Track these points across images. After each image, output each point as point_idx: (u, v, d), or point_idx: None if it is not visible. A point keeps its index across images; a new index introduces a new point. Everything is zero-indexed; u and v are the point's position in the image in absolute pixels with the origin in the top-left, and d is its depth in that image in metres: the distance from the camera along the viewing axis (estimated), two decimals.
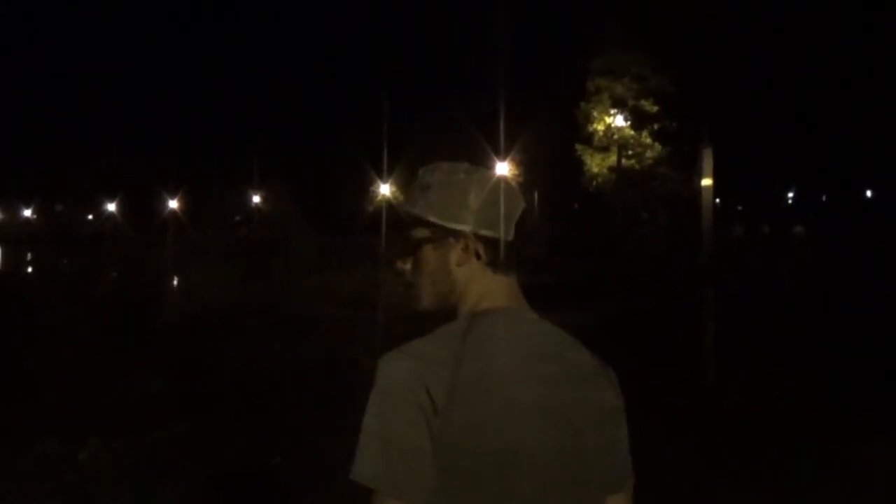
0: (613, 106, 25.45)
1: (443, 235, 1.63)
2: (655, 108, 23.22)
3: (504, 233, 1.63)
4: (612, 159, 26.19)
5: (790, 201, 22.68)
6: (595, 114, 26.53)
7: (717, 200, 26.10)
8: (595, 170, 27.85)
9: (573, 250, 34.49)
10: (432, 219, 1.64)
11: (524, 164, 38.11)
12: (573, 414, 1.57)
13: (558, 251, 36.34)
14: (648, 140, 25.18)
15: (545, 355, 1.58)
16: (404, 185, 46.97)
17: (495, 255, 1.63)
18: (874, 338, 11.94)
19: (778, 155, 17.21)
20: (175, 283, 24.29)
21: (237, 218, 66.24)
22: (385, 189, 46.02)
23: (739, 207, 21.77)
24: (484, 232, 1.63)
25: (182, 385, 9.32)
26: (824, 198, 20.70)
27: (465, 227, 1.62)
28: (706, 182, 9.82)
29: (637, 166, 26.08)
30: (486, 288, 1.64)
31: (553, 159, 34.22)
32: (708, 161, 9.89)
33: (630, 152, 25.92)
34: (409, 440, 1.48)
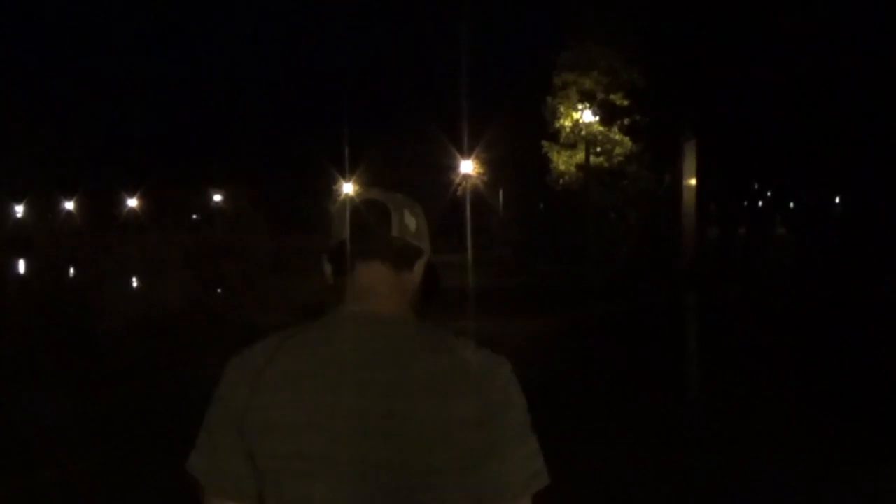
0: (582, 101, 24.54)
1: (328, 248, 1.75)
2: (626, 102, 22.30)
3: (340, 234, 1.69)
4: (580, 156, 25.37)
5: (766, 202, 21.85)
6: (562, 109, 25.67)
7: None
8: (562, 167, 27.02)
9: (540, 251, 33.79)
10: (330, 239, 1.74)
11: (489, 163, 37.39)
12: (403, 426, 1.50)
13: (524, 252, 35.69)
14: (618, 136, 24.31)
15: (381, 363, 1.55)
16: (367, 185, 46.78)
17: (342, 262, 1.68)
18: (867, 347, 11.18)
19: (759, 151, 16.32)
20: (124, 286, 23.08)
21: (194, 216, 65.15)
22: (348, 189, 45.33)
23: (712, 207, 20.93)
24: (331, 240, 1.72)
25: (96, 409, 8.30)
26: (807, 198, 19.85)
27: (332, 241, 1.73)
28: (689, 179, 8.94)
29: (606, 164, 25.24)
30: (350, 291, 1.67)
31: (519, 157, 33.48)
32: (690, 156, 9.02)
33: (599, 149, 25.07)
34: (223, 438, 1.57)
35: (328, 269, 1.72)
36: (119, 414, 8.27)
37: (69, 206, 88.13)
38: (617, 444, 7.54)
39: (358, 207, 1.68)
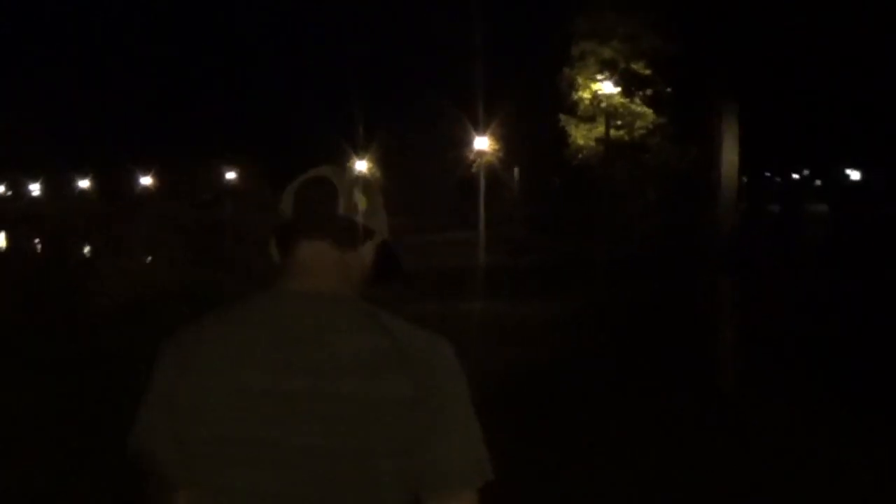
0: (601, 71, 23.34)
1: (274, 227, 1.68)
2: (648, 72, 21.07)
3: (287, 210, 1.64)
4: (599, 130, 24.23)
5: (801, 176, 20.56)
6: (580, 80, 24.51)
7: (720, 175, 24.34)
8: (580, 142, 25.91)
9: (555, 229, 32.66)
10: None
11: (504, 139, 36.23)
12: (330, 407, 1.46)
13: (538, 230, 34.56)
14: (640, 108, 23.13)
15: (308, 341, 1.50)
16: (380, 161, 45.96)
17: (287, 241, 1.63)
18: None
19: (803, 120, 14.96)
20: (119, 265, 22.21)
21: (205, 195, 64.58)
22: (362, 165, 44.49)
23: (744, 180, 19.70)
24: (279, 216, 1.66)
25: (57, 396, 7.38)
26: (849, 173, 18.54)
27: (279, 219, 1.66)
28: (729, 148, 7.81)
29: (627, 137, 24.09)
30: (289, 269, 1.61)
31: (535, 132, 32.36)
32: (730, 122, 7.88)
33: (619, 122, 23.91)
34: (156, 422, 1.54)
35: (274, 248, 1.66)
36: (80, 401, 7.36)
37: (83, 184, 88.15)
38: (645, 442, 6.61)
39: (304, 185, 1.65)
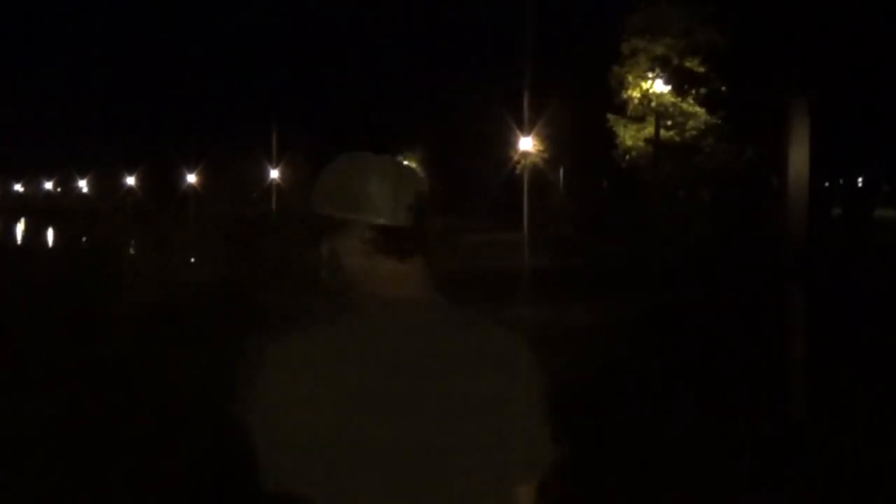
0: (652, 68, 22.50)
1: (336, 226, 1.63)
2: (702, 69, 20.19)
3: (402, 220, 1.61)
4: (649, 130, 23.40)
5: (866, 180, 19.48)
6: (630, 79, 23.71)
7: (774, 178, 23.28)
8: (629, 142, 25.11)
9: (602, 231, 31.84)
10: (327, 211, 1.64)
11: (549, 139, 35.47)
12: (437, 405, 1.53)
13: (585, 232, 33.74)
14: (691, 108, 22.25)
15: (414, 344, 1.55)
16: (426, 159, 45.50)
17: (386, 243, 1.62)
18: None
19: (879, 118, 13.94)
20: (151, 263, 21.89)
21: (254, 194, 64.56)
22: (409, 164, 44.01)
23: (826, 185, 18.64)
24: (380, 220, 1.61)
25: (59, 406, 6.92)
26: None
27: (360, 217, 1.61)
28: (799, 147, 7.08)
29: (677, 138, 23.22)
30: (377, 276, 1.62)
31: (582, 132, 31.59)
32: (800, 118, 7.16)
33: (669, 122, 23.05)
34: (275, 434, 1.53)
35: (363, 251, 1.61)
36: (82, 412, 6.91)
37: (131, 180, 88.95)
38: (706, 475, 5.92)
39: (421, 192, 1.65)
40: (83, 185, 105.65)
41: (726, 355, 9.91)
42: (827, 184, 19.46)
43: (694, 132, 22.91)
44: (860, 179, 19.37)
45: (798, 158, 7.23)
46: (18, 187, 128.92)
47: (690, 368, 9.39)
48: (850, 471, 6.15)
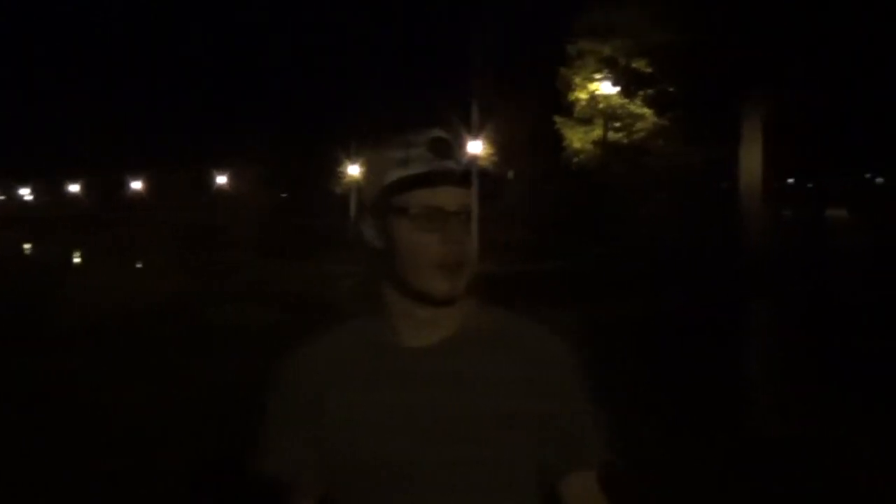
0: (599, 70, 22.44)
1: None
2: (650, 70, 20.12)
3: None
4: (597, 132, 23.35)
5: (817, 181, 19.49)
6: (577, 80, 23.64)
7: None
8: (577, 145, 25.04)
9: (550, 235, 31.75)
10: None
11: (498, 143, 35.32)
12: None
13: (533, 236, 33.61)
14: (640, 109, 22.21)
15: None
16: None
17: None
18: None
19: (835, 119, 13.87)
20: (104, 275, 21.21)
21: (199, 199, 63.67)
22: (353, 170, 43.54)
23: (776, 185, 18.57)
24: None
25: None
26: (869, 176, 17.40)
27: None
28: (750, 152, 6.92)
29: (626, 140, 23.18)
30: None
31: (531, 135, 31.50)
32: (752, 121, 7.01)
33: (617, 124, 23.01)
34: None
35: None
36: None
37: (74, 188, 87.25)
38: (666, 494, 5.68)
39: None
40: (26, 192, 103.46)
41: (680, 365, 9.71)
42: (777, 185, 19.48)
43: (643, 134, 22.87)
44: (810, 181, 19.41)
45: (750, 160, 7.09)
46: None
47: (653, 383, 9.14)
48: (822, 489, 5.94)
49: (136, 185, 75.01)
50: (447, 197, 1.49)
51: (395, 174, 1.50)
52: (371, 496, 1.49)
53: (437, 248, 1.48)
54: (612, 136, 22.92)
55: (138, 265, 23.34)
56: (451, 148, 1.54)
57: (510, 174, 39.15)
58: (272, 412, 1.59)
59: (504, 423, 1.50)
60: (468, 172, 1.57)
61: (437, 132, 1.55)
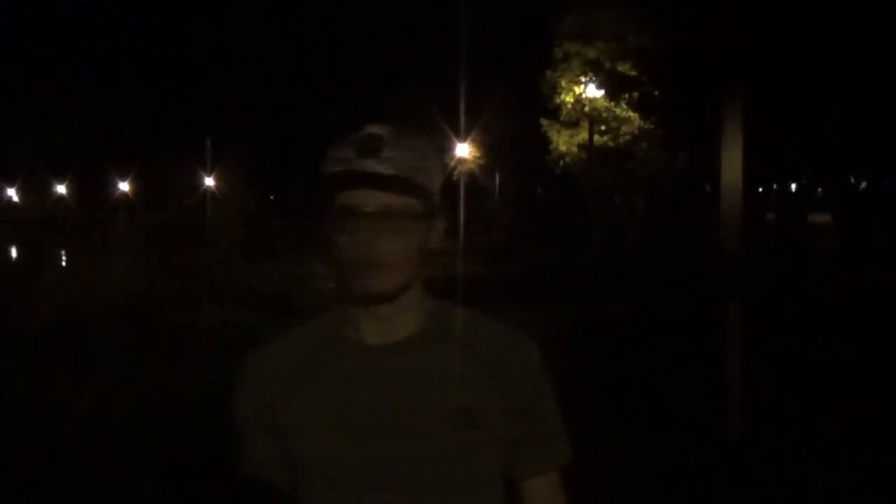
0: (585, 72, 22.16)
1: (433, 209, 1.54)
2: (634, 73, 19.84)
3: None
4: (583, 136, 23.10)
5: (799, 184, 19.29)
6: (563, 83, 23.38)
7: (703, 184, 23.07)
8: (563, 148, 24.80)
9: (536, 238, 31.55)
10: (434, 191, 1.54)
11: (485, 146, 35.12)
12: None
13: (520, 239, 33.40)
14: (625, 113, 21.96)
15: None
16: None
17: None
18: None
19: (814, 121, 13.64)
20: (60, 277, 20.78)
21: (185, 200, 63.25)
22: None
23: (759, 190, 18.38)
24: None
25: None
26: (854, 180, 17.17)
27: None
28: (731, 155, 6.63)
29: (611, 143, 22.94)
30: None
31: (518, 138, 31.30)
32: (733, 121, 6.72)
33: (603, 127, 22.77)
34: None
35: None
36: None
37: (61, 189, 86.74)
38: (636, 501, 5.43)
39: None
40: (12, 193, 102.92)
41: (658, 371, 9.43)
42: (761, 189, 19.25)
43: (628, 137, 22.67)
44: (793, 185, 19.20)
45: (731, 163, 6.78)
46: None
47: (621, 385, 8.89)
48: (787, 495, 5.70)
49: (124, 186, 74.61)
50: (364, 197, 1.46)
51: (325, 173, 1.51)
52: (331, 494, 1.49)
53: (347, 249, 1.46)
54: (598, 139, 22.72)
55: (118, 265, 22.92)
56: (378, 147, 1.47)
57: (497, 178, 39.01)
58: (239, 412, 1.59)
59: (464, 420, 1.49)
60: (395, 175, 1.46)
61: (375, 129, 1.51)
